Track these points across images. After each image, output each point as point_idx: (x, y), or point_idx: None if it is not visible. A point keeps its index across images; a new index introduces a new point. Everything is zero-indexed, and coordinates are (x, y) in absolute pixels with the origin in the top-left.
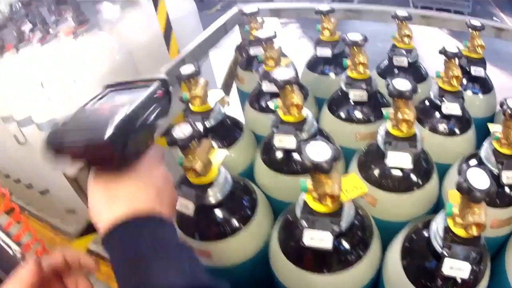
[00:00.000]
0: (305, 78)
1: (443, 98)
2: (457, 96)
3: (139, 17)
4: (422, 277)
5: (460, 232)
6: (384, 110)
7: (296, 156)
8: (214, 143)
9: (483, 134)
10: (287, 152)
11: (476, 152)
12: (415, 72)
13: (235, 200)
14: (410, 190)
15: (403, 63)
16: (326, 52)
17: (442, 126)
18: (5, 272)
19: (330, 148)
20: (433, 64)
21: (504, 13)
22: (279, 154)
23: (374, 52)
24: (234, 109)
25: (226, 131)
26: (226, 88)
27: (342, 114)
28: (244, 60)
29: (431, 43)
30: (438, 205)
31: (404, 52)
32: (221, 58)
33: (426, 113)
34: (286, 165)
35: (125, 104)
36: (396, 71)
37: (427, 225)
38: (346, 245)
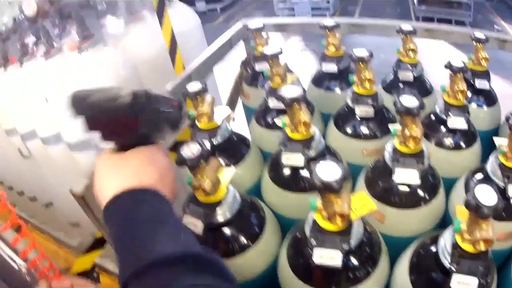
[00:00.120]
0: (310, 93)
1: (449, 113)
2: (463, 110)
3: (144, 31)
4: None
5: (468, 247)
6: (391, 126)
7: (304, 173)
8: (221, 161)
9: (488, 146)
10: (295, 170)
11: (482, 166)
12: (421, 86)
13: (243, 218)
14: (418, 205)
15: (409, 78)
16: (332, 67)
17: (448, 140)
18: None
19: (340, 167)
20: (437, 75)
21: (505, 21)
22: (286, 172)
23: (377, 63)
24: (240, 124)
25: (233, 148)
26: (232, 103)
27: (349, 130)
28: (250, 76)
29: (435, 55)
30: (445, 219)
31: (409, 66)
32: (225, 72)
33: (432, 127)
34: (294, 182)
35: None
36: (401, 85)
37: (435, 241)
38: (355, 262)
